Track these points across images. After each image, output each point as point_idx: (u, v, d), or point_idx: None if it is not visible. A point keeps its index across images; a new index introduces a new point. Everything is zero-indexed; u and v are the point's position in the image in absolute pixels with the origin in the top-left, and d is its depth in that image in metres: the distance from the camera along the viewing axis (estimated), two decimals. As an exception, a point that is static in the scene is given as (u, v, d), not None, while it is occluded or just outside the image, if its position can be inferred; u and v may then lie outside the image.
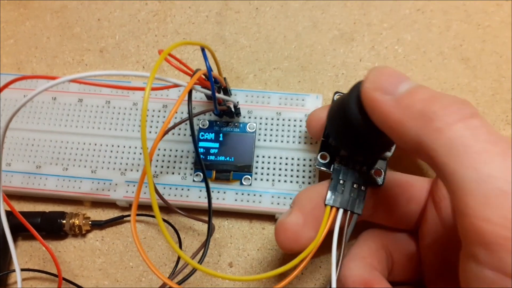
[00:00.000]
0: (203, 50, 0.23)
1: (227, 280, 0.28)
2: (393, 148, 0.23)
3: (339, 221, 0.22)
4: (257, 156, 0.29)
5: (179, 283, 0.26)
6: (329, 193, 0.22)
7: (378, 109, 0.19)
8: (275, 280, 0.28)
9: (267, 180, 0.28)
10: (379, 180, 0.23)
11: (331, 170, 0.24)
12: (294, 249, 0.22)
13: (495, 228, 0.15)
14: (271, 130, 0.29)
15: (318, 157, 0.24)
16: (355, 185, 0.23)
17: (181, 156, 0.29)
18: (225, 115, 0.29)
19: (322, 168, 0.24)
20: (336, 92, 0.25)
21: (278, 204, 0.28)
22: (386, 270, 0.24)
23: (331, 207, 0.22)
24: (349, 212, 0.22)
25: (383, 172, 0.23)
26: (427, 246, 0.24)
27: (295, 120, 0.29)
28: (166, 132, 0.26)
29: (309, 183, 0.28)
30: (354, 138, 0.21)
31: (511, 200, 0.15)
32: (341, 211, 0.22)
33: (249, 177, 0.28)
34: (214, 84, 0.24)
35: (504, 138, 0.17)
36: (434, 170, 0.18)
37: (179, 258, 0.28)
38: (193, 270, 0.26)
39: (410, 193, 0.24)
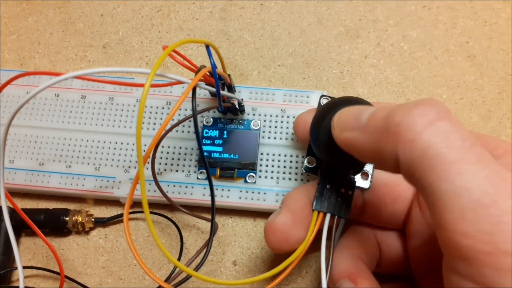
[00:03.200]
0: (207, 47, 0.23)
1: (231, 278, 0.28)
2: None
3: (327, 227, 0.22)
4: (262, 154, 0.29)
5: (182, 281, 0.26)
6: (316, 198, 0.22)
7: (352, 147, 0.19)
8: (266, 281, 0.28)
9: (272, 177, 0.28)
10: (366, 183, 0.23)
11: (318, 174, 0.23)
12: (284, 249, 0.22)
13: (472, 243, 0.14)
14: (276, 127, 0.29)
15: (305, 161, 0.24)
16: (342, 190, 0.23)
17: (185, 154, 0.29)
18: (229, 112, 0.29)
19: (309, 172, 0.24)
20: (322, 96, 0.25)
21: (282, 202, 0.28)
22: (373, 261, 0.24)
23: (318, 212, 0.22)
24: (336, 216, 0.22)
25: (370, 176, 0.23)
26: (414, 246, 0.24)
27: (300, 118, 0.29)
28: (170, 129, 0.25)
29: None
30: (338, 158, 0.21)
31: (488, 212, 0.14)
32: (328, 216, 0.22)
33: (253, 174, 0.28)
34: (219, 81, 0.24)
35: (478, 140, 0.16)
36: (413, 185, 0.17)
37: (180, 254, 0.28)
38: (195, 270, 0.26)
39: (396, 193, 0.24)
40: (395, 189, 0.24)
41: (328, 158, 0.22)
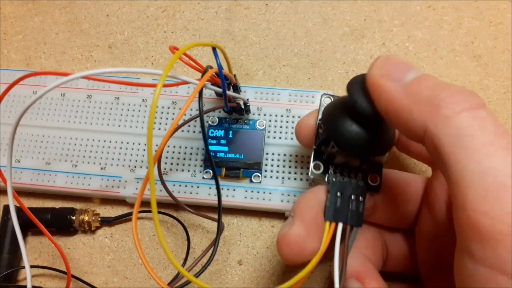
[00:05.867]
0: (214, 49, 0.23)
1: (236, 278, 0.28)
2: (387, 153, 0.23)
3: (339, 238, 0.21)
4: (267, 154, 0.29)
5: (188, 281, 0.26)
6: (327, 207, 0.22)
7: (385, 95, 0.18)
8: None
9: (277, 177, 0.28)
10: (376, 187, 0.23)
11: (326, 180, 0.23)
12: (299, 262, 0.21)
13: (493, 222, 0.14)
14: (281, 127, 0.29)
15: (312, 167, 0.23)
16: (352, 197, 0.22)
17: (191, 153, 0.29)
18: (234, 112, 0.29)
19: (316, 178, 0.23)
20: (324, 94, 0.24)
21: (288, 202, 0.28)
22: (380, 260, 0.24)
23: (331, 222, 0.21)
24: (349, 225, 0.22)
25: (379, 178, 0.23)
26: (422, 246, 0.24)
27: (305, 118, 0.29)
28: (176, 130, 0.25)
29: (319, 181, 0.28)
30: (354, 136, 0.21)
31: (511, 194, 0.15)
32: (340, 225, 0.21)
33: (259, 174, 0.28)
34: (225, 82, 0.24)
35: (509, 132, 0.16)
36: (435, 160, 0.17)
37: (187, 254, 0.28)
38: (202, 270, 0.26)
39: (406, 193, 0.24)
40: (406, 190, 0.24)
41: (344, 143, 0.21)
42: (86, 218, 0.29)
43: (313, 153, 0.24)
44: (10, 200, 0.23)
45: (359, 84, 0.20)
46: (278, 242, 0.21)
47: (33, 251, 0.30)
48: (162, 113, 0.30)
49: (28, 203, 0.30)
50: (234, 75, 0.26)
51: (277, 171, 0.28)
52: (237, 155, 0.28)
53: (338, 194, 0.22)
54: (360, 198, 0.22)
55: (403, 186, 0.24)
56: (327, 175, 0.23)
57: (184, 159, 0.29)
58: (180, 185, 0.28)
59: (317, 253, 0.21)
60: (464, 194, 0.15)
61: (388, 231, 0.25)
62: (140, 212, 0.30)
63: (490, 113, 0.16)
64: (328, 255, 0.21)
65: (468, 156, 0.15)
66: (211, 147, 0.29)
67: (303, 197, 0.23)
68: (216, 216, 0.25)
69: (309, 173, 0.23)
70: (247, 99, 0.28)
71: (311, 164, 0.23)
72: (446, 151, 0.16)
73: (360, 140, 0.21)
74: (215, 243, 0.25)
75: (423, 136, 0.17)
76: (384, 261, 0.25)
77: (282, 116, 0.29)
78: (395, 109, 0.18)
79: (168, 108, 0.30)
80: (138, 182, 0.29)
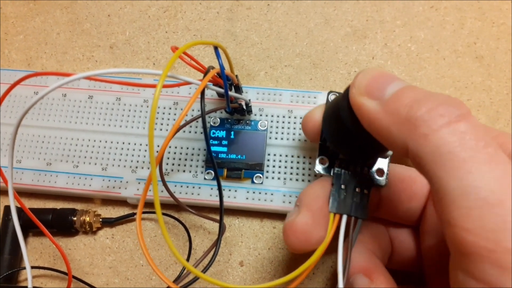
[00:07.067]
0: (216, 48, 0.23)
1: (238, 279, 0.28)
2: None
3: (343, 229, 0.21)
4: (269, 154, 0.29)
5: (192, 282, 0.26)
6: (332, 199, 0.22)
7: (365, 115, 0.18)
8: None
9: (279, 178, 0.28)
10: (382, 180, 0.23)
11: (332, 174, 0.23)
12: (305, 250, 0.21)
13: (475, 239, 0.15)
14: (283, 128, 0.29)
15: (317, 161, 0.23)
16: (357, 189, 0.22)
17: (192, 154, 0.29)
18: (236, 113, 0.29)
19: (322, 172, 0.23)
20: (330, 92, 0.24)
21: (289, 203, 0.28)
22: (386, 257, 0.24)
23: (335, 213, 0.21)
24: (353, 217, 0.22)
25: (385, 172, 0.23)
26: (427, 244, 0.24)
27: (307, 118, 0.29)
28: (178, 130, 0.25)
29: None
30: (351, 142, 0.21)
31: (493, 210, 0.15)
32: (345, 217, 0.21)
33: (260, 175, 0.28)
34: (227, 82, 0.24)
35: (494, 141, 0.16)
36: (423, 175, 0.17)
37: (189, 255, 0.28)
38: (203, 271, 0.26)
39: (412, 190, 0.24)
40: (411, 186, 0.24)
41: (344, 146, 0.21)
42: (87, 218, 0.29)
43: (319, 147, 0.24)
44: (11, 201, 0.23)
45: (347, 97, 0.20)
46: (284, 230, 0.22)
47: (34, 252, 0.29)
48: (163, 113, 0.30)
49: (29, 203, 0.30)
50: (236, 76, 0.26)
51: (279, 172, 0.28)
52: (239, 156, 0.28)
53: (342, 186, 0.22)
54: (365, 191, 0.22)
55: (409, 182, 0.24)
56: (332, 168, 0.23)
57: (186, 159, 0.29)
58: (181, 186, 0.28)
59: (323, 241, 0.21)
60: (449, 211, 0.16)
61: (394, 227, 0.25)
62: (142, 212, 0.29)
63: (471, 124, 0.16)
64: (334, 247, 0.21)
65: (449, 174, 0.16)
66: (212, 148, 0.28)
67: (310, 187, 0.23)
68: (217, 217, 0.25)
69: (315, 168, 0.23)
70: (249, 100, 0.28)
71: (317, 159, 0.23)
72: (429, 169, 0.16)
73: (351, 145, 0.21)
74: (216, 244, 0.25)
75: (406, 154, 0.17)
76: (389, 257, 0.25)
77: (284, 117, 0.29)
78: (376, 129, 0.18)
79: (170, 108, 0.30)
80: (139, 183, 0.29)
